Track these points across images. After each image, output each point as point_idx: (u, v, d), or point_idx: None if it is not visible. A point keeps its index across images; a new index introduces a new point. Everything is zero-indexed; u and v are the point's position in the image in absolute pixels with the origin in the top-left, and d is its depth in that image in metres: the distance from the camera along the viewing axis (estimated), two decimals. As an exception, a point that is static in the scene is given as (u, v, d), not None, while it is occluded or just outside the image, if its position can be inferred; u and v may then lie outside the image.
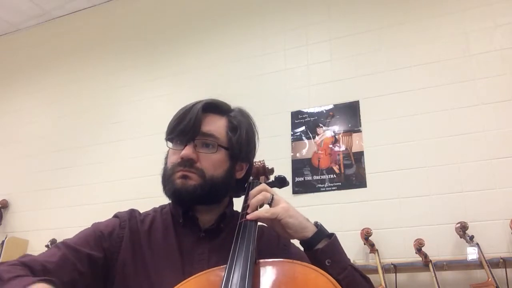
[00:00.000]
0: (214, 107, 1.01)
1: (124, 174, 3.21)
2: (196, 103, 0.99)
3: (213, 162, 0.96)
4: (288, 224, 0.87)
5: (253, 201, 0.92)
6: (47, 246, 3.05)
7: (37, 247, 3.23)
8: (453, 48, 2.62)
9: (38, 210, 3.41)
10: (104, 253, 0.92)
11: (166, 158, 1.02)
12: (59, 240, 3.02)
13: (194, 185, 0.93)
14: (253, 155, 1.07)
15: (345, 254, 0.90)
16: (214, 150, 0.96)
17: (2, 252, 3.14)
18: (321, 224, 0.92)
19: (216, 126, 0.98)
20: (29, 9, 3.98)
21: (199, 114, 0.96)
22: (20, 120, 3.87)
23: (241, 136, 1.00)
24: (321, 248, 0.86)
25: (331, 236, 0.90)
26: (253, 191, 0.94)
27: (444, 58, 2.62)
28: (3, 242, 3.19)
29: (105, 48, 3.79)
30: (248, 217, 0.88)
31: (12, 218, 3.49)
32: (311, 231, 0.89)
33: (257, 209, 0.90)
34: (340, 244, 0.91)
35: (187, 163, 0.94)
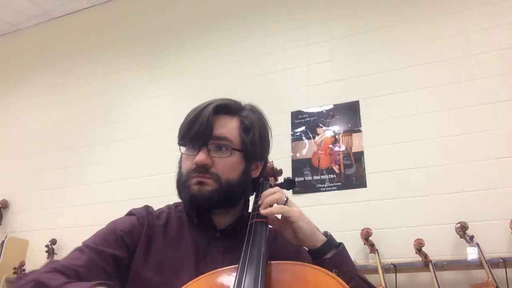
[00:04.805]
0: (225, 108, 0.98)
1: (124, 174, 3.20)
2: (206, 105, 0.96)
3: (228, 166, 0.94)
4: (301, 229, 0.87)
5: (268, 199, 0.91)
6: (47, 246, 3.05)
7: (37, 247, 3.23)
8: (453, 48, 2.62)
9: (38, 210, 3.40)
10: (127, 251, 0.91)
11: (180, 162, 1.00)
12: (59, 240, 3.07)
13: (211, 190, 0.92)
14: (268, 152, 1.06)
15: (353, 264, 0.90)
16: (228, 153, 0.94)
17: (2, 252, 3.13)
18: (330, 234, 0.91)
19: (228, 128, 0.96)
20: (29, 9, 3.97)
21: (210, 117, 0.94)
22: (20, 120, 3.87)
23: (254, 136, 0.99)
24: (329, 258, 0.86)
25: (339, 245, 0.89)
26: (267, 191, 0.94)
27: (444, 58, 2.62)
28: (3, 242, 3.19)
29: (105, 48, 3.79)
30: (262, 212, 0.88)
31: (12, 218, 3.49)
32: (320, 240, 0.88)
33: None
34: (347, 254, 0.90)
35: (202, 169, 0.92)
